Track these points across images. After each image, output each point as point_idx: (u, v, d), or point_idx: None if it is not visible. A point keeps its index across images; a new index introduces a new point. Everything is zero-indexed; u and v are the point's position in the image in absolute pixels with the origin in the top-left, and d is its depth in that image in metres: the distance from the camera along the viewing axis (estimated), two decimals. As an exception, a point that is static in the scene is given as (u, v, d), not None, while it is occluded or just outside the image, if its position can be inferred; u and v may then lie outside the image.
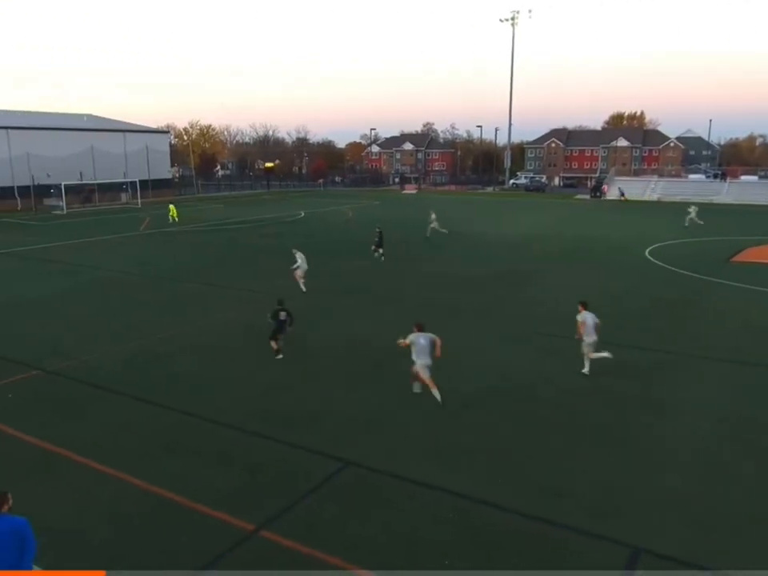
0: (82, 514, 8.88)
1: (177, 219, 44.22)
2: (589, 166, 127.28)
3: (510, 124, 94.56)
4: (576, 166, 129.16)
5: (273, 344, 15.40)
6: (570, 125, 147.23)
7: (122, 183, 61.57)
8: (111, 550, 8.13)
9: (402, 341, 12.63)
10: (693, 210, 43.53)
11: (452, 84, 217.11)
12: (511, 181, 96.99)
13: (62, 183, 53.69)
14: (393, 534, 8.50)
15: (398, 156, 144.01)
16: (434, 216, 37.43)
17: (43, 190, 55.86)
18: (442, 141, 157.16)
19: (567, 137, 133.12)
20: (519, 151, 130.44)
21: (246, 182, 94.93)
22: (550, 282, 24.77)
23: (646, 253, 31.76)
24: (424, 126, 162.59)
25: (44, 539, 8.25)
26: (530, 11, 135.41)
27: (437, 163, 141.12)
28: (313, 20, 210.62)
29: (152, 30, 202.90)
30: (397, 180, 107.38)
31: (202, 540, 8.29)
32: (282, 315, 15.44)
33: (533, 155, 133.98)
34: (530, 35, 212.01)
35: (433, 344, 12.27)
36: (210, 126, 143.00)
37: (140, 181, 61.41)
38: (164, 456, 10.50)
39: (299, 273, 22.44)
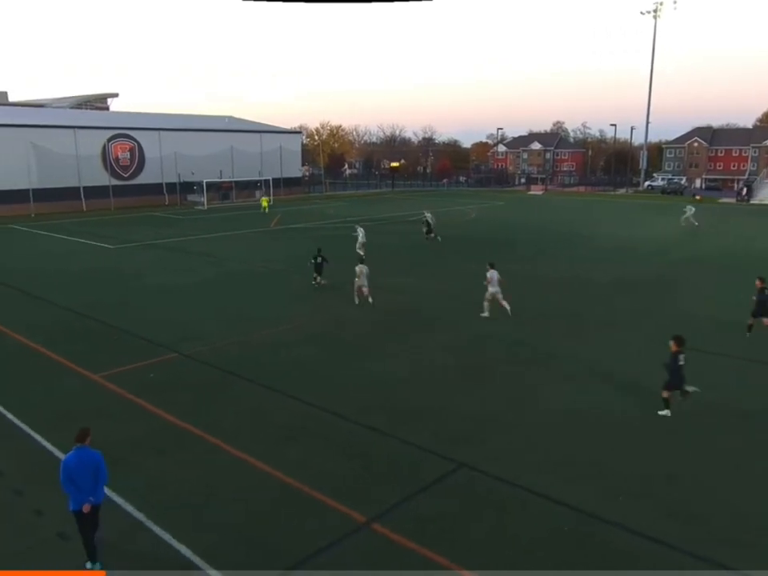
0: (209, 492, 9.49)
1: (266, 210, 51.01)
2: (736, 167, 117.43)
3: (648, 122, 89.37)
4: (721, 167, 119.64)
5: (314, 282, 22.24)
6: (716, 123, 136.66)
7: (257, 181, 65.04)
8: (236, 528, 8.63)
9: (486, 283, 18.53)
10: (689, 210, 42.20)
11: (585, 81, 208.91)
12: (647, 182, 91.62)
13: (204, 181, 57.65)
14: (503, 539, 8.34)
15: (525, 156, 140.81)
16: (428, 215, 36.73)
17: (187, 187, 60.39)
18: (572, 140, 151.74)
19: (712, 136, 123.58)
20: (657, 151, 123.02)
21: (371, 181, 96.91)
22: (690, 291, 23.18)
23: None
24: (554, 125, 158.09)
25: (173, 512, 8.94)
26: (675, 2, 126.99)
27: (566, 163, 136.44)
28: (443, 22, 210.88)
29: (292, 36, 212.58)
30: (523, 180, 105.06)
31: (317, 527, 8.58)
32: (319, 259, 22.41)
33: (672, 155, 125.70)
34: (674, 27, 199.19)
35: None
36: (340, 126, 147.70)
37: (273, 179, 64.62)
38: (287, 442, 10.98)
39: (357, 245, 28.54)
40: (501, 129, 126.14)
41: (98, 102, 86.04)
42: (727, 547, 8.23)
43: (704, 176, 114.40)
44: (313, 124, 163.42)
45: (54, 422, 11.62)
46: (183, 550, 8.08)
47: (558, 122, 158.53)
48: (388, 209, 56.04)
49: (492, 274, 19.17)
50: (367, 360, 15.38)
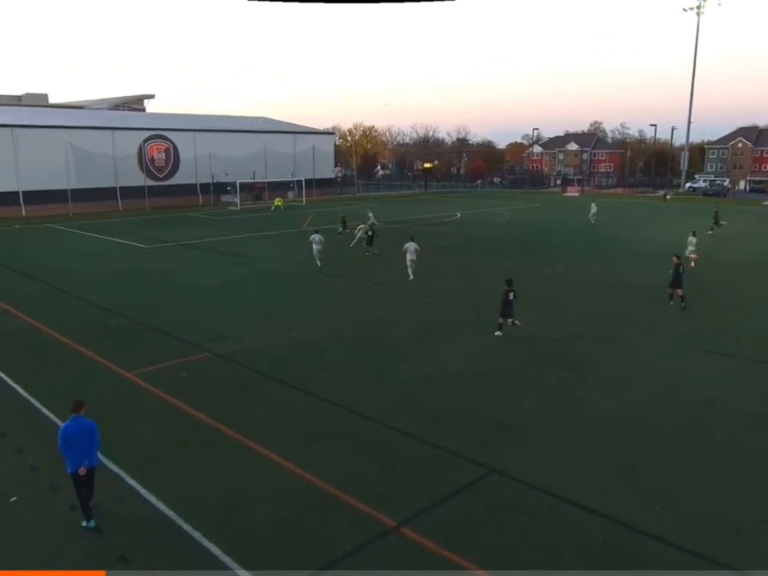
0: (237, 492, 9.60)
1: (281, 207, 55.65)
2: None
3: (690, 122, 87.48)
4: (767, 169, 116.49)
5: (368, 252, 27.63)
6: (762, 122, 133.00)
7: (290, 182, 65.63)
8: (263, 530, 8.71)
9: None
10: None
11: (623, 80, 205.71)
12: (688, 184, 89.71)
13: (237, 181, 58.43)
14: (533, 547, 8.25)
15: (561, 157, 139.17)
16: (371, 215, 37.52)
17: (221, 188, 61.31)
18: (610, 140, 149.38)
19: (757, 136, 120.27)
20: (699, 152, 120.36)
21: (404, 182, 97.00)
22: (725, 298, 22.63)
23: None
24: (591, 125, 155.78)
25: (202, 510, 9.08)
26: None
27: (603, 164, 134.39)
28: (475, 21, 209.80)
29: (324, 34, 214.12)
30: (558, 182, 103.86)
31: (344, 529, 8.61)
32: (370, 233, 28.72)
33: (715, 156, 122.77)
34: (718, 24, 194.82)
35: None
36: (373, 127, 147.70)
37: (305, 180, 65.13)
38: (315, 443, 11.05)
39: (361, 233, 32.17)
40: (536, 129, 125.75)
41: (135, 104, 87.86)
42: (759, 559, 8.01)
43: (748, 177, 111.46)
44: (346, 125, 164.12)
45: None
46: (213, 548, 8.20)
47: (596, 122, 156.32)
48: (420, 210, 56.00)
49: (408, 246, 24.63)
50: (396, 362, 15.39)
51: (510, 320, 17.09)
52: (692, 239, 27.91)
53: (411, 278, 24.55)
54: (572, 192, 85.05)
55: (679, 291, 20.68)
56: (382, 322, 19.03)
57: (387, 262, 28.35)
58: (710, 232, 37.92)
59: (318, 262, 27.48)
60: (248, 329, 18.23)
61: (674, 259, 21.20)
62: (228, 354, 15.82)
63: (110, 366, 14.89)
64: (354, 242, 32.85)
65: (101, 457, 10.29)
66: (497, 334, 17.20)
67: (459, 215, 51.82)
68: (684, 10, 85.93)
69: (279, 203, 56.96)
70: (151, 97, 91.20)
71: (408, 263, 24.72)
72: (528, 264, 28.56)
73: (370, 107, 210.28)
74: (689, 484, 9.83)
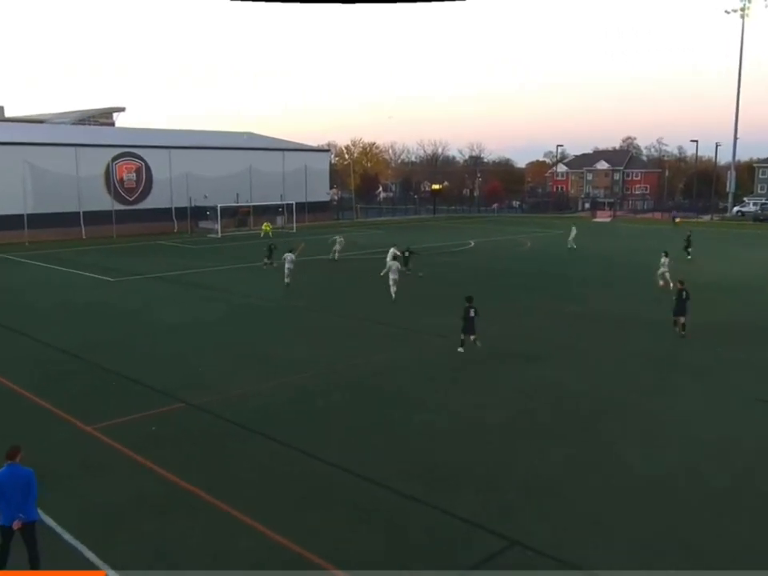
0: (214, 560, 9.39)
1: (270, 234, 55.57)
2: None
3: (736, 138, 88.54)
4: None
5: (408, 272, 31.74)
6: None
7: (278, 206, 66.07)
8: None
9: None
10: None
11: (660, 90, 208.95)
12: (735, 208, 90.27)
13: (218, 205, 58.84)
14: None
15: (590, 177, 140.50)
16: (339, 239, 40.89)
17: (199, 212, 61.75)
18: (645, 159, 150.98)
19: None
20: (747, 171, 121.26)
21: (409, 206, 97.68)
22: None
23: None
24: (623, 141, 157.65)
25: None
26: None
27: (638, 185, 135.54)
28: (491, 25, 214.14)
29: (316, 42, 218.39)
30: (587, 205, 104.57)
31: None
32: (407, 253, 32.92)
33: (766, 176, 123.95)
34: (765, 27, 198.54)
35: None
36: (374, 143, 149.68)
37: (296, 203, 65.63)
38: (306, 509, 10.87)
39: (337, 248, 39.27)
40: (561, 146, 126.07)
41: (103, 118, 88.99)
42: None
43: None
44: (343, 141, 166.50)
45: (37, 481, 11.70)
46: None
47: (629, 138, 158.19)
48: (428, 237, 56.24)
49: (391, 264, 28.27)
50: (401, 412, 15.25)
51: (471, 337, 19.54)
52: (664, 260, 30.94)
53: (394, 297, 27.30)
54: (602, 217, 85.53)
55: (681, 319, 21.92)
56: (382, 366, 18.96)
57: (403, 299, 28.39)
58: (689, 258, 40.27)
59: (286, 280, 31.44)
60: (229, 374, 18.12)
61: (678, 285, 22.73)
62: (205, 404, 15.69)
63: (66, 418, 14.75)
64: (383, 272, 32.84)
65: (51, 523, 10.12)
66: (459, 350, 19.67)
67: (473, 243, 52.02)
68: (726, 12, 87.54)
69: (268, 228, 57.99)
70: (121, 110, 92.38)
71: (390, 282, 27.65)
72: (551, 299, 28.59)
73: (370, 121, 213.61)
74: (746, 555, 9.61)
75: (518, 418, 15.06)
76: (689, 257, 40.32)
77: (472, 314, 19.62)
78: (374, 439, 13.79)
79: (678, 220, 73.46)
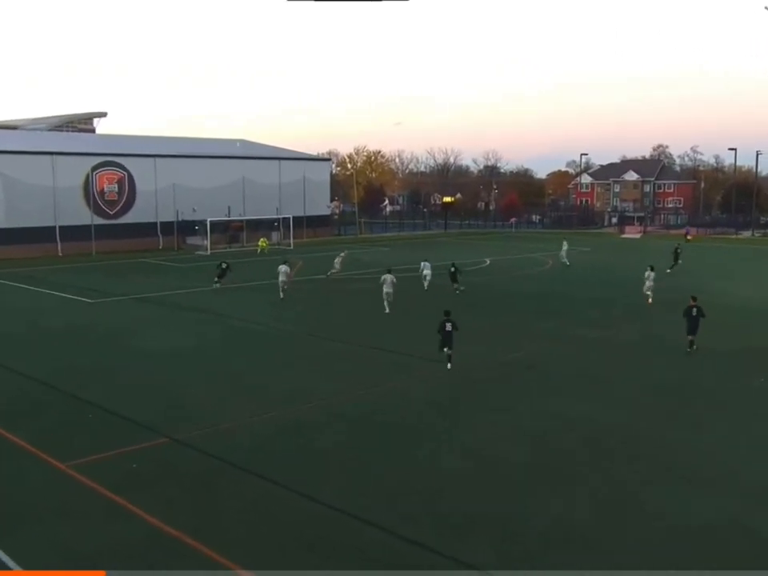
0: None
1: (266, 251, 57.90)
2: None
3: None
4: None
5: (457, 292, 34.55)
6: None
7: (274, 220, 66.30)
8: None
9: None
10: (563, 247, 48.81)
11: (695, 94, 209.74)
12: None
13: (208, 219, 59.13)
14: None
15: (617, 189, 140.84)
16: (342, 255, 43.07)
17: (187, 227, 62.04)
18: (678, 169, 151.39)
19: None
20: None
21: (418, 221, 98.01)
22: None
23: None
24: (654, 149, 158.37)
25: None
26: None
27: (670, 198, 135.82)
28: (507, 22, 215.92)
29: (314, 41, 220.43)
30: (614, 220, 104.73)
31: None
32: (453, 269, 35.97)
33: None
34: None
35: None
36: (379, 151, 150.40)
37: (294, 218, 65.86)
38: (302, 557, 10.80)
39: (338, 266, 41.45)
40: (585, 155, 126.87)
41: (82, 123, 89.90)
42: None
43: None
44: (345, 149, 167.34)
45: (6, 524, 11.72)
46: None
47: (660, 146, 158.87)
48: (439, 255, 56.29)
49: (385, 278, 30.57)
50: (409, 450, 15.21)
51: (445, 349, 21.08)
52: (649, 273, 33.44)
53: (387, 311, 30.10)
54: (631, 233, 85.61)
55: (690, 337, 23.34)
56: (384, 396, 18.99)
57: (395, 321, 28.38)
58: (668, 270, 43.67)
59: (281, 294, 34.24)
60: (217, 405, 18.12)
61: (690, 301, 23.79)
62: (192, 439, 15.66)
63: (38, 454, 14.71)
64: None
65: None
66: (448, 366, 21.14)
67: (488, 262, 52.12)
68: (766, 8, 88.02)
69: (264, 245, 59.16)
70: (103, 115, 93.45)
71: (384, 296, 30.42)
72: (573, 323, 28.54)
73: (375, 127, 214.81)
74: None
75: (535, 455, 14.98)
76: (668, 270, 43.66)
77: (448, 327, 21.00)
78: (377, 479, 13.74)
79: (689, 237, 73.53)
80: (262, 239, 60.35)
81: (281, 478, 13.68)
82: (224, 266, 38.60)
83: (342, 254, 43.17)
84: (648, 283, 33.10)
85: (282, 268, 34.52)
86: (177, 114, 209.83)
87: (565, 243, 51.07)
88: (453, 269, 36.39)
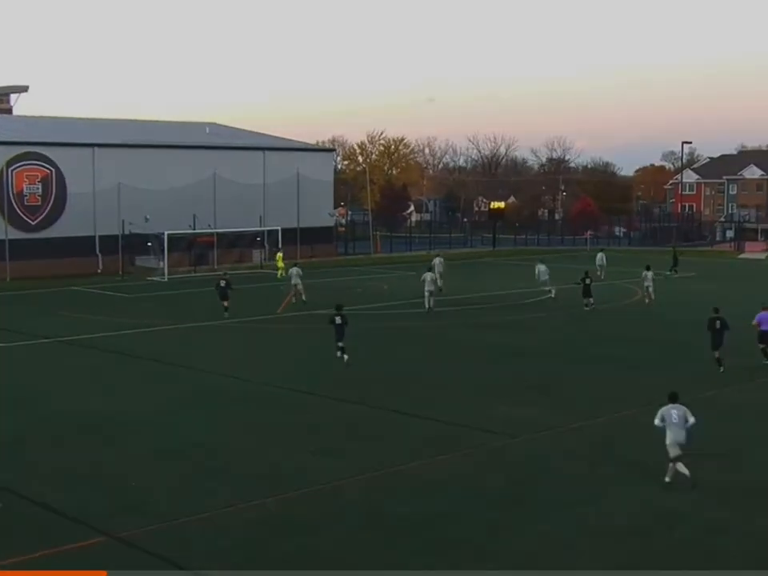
0: None
1: (283, 274, 56.20)
2: None
3: None
4: None
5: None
6: None
7: (256, 234, 66.16)
8: None
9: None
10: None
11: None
12: None
13: (165, 233, 58.93)
14: None
15: (733, 190, 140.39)
16: (438, 260, 50.70)
17: (137, 243, 62.08)
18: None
19: None
20: None
21: (456, 234, 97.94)
22: None
23: None
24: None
25: None
26: None
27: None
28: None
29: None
30: (729, 233, 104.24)
31: None
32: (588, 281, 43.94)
33: None
34: None
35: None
36: (402, 139, 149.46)
37: (283, 230, 65.79)
38: None
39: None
40: (689, 143, 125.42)
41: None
42: None
43: None
44: (355, 136, 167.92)
45: None
46: None
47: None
48: (484, 282, 56.17)
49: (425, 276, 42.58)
50: (442, 563, 15.01)
51: (339, 344, 29.47)
52: (646, 273, 45.84)
53: (427, 307, 41.46)
54: (754, 251, 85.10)
55: (716, 353, 28.55)
56: (411, 483, 18.81)
57: (427, 375, 28.30)
58: (667, 273, 58.87)
59: (303, 297, 44.86)
60: (177, 493, 18.07)
61: (711, 313, 29.03)
62: (138, 537, 15.54)
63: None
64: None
65: None
66: (345, 359, 29.05)
67: (553, 293, 51.80)
68: None
69: (282, 265, 58.99)
70: (23, 89, 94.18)
71: (426, 293, 41.69)
72: (684, 381, 28.18)
73: (396, 106, 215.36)
74: None
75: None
76: (667, 273, 56.89)
77: (338, 321, 29.52)
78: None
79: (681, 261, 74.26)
80: (278, 254, 60.74)
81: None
82: (222, 283, 38.98)
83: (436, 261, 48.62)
84: (646, 283, 45.95)
85: (294, 270, 45.40)
86: (124, 92, 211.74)
87: (539, 267, 51.48)
88: (588, 280, 44.45)
